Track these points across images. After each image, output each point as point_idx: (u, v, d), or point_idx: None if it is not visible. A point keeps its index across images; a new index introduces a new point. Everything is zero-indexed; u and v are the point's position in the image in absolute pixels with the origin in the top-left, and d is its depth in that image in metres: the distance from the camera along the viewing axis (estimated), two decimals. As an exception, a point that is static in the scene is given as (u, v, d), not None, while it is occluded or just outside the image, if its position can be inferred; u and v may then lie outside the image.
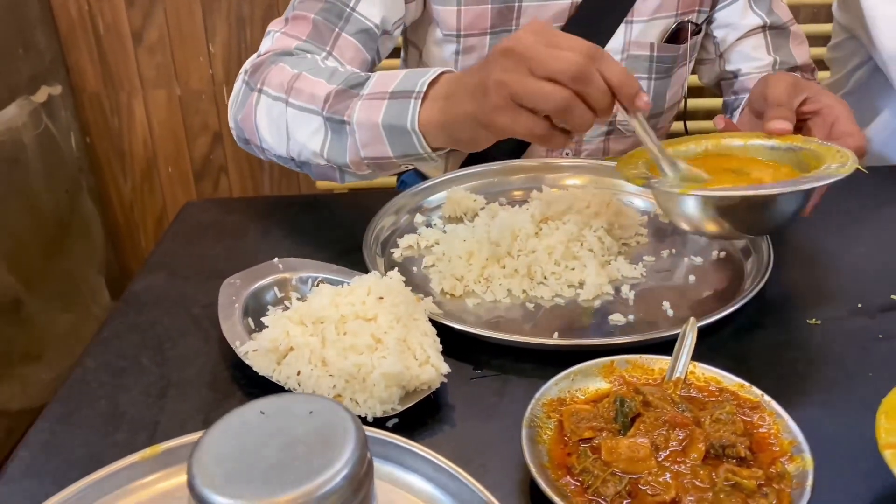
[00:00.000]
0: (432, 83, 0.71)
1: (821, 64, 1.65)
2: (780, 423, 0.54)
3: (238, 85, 0.90)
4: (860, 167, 0.66)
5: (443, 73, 0.72)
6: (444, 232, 0.87)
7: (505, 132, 0.63)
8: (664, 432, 0.53)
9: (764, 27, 1.09)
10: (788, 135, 0.76)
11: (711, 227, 0.70)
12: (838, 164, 0.67)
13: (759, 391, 0.57)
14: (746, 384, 0.58)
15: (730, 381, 0.59)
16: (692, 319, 0.63)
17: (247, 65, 0.90)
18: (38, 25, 1.68)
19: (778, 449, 0.53)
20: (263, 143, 0.86)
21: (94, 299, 1.80)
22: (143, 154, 1.93)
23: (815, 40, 1.78)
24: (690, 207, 0.69)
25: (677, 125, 1.26)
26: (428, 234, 0.87)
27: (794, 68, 1.11)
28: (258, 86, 0.85)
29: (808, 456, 0.51)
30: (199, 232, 0.93)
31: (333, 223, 0.95)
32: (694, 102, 1.37)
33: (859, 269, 0.80)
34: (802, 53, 1.11)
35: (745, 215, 0.69)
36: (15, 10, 1.60)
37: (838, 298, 0.75)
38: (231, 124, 0.92)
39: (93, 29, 1.80)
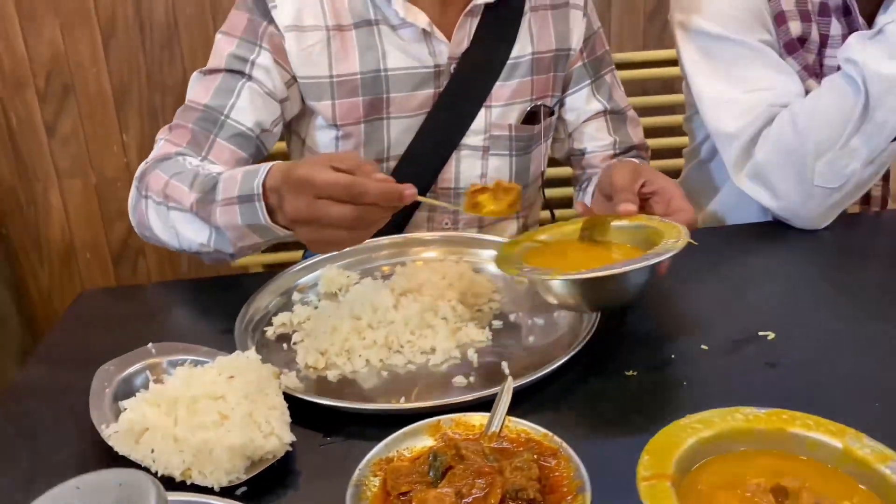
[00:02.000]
0: (264, 181, 0.82)
1: (674, 132, 1.80)
2: (572, 466, 0.62)
3: (132, 191, 1.02)
4: (691, 240, 0.78)
5: (270, 168, 0.82)
6: (316, 308, 0.95)
7: (328, 249, 0.88)
8: (470, 482, 0.61)
9: (605, 112, 1.23)
10: (635, 215, 0.88)
11: (577, 302, 0.83)
12: (674, 238, 0.79)
13: (559, 440, 0.65)
14: (549, 434, 0.66)
15: (537, 431, 0.67)
16: (509, 379, 0.71)
17: (138, 172, 1.02)
18: (-51, 124, 1.74)
19: (566, 489, 0.61)
20: (159, 241, 1.00)
21: (10, 389, 1.81)
22: (61, 241, 1.97)
23: (665, 110, 1.95)
24: (558, 288, 0.81)
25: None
26: (301, 312, 0.94)
27: (631, 147, 1.24)
28: (144, 192, 0.99)
29: (588, 493, 0.59)
30: (88, 321, 0.99)
31: (215, 305, 1.01)
32: (554, 171, 1.50)
33: (678, 322, 0.90)
34: (638, 134, 1.26)
35: (604, 290, 0.81)
36: (-75, 111, 1.66)
37: (655, 350, 0.84)
38: (133, 223, 1.04)
39: (6, 123, 1.86)
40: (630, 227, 0.88)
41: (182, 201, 0.93)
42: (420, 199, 0.78)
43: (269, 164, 0.84)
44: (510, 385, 0.71)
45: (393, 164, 1.14)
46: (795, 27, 1.15)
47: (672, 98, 1.94)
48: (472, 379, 0.81)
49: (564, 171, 1.41)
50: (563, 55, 1.18)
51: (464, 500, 0.59)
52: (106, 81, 1.86)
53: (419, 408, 0.74)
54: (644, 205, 0.94)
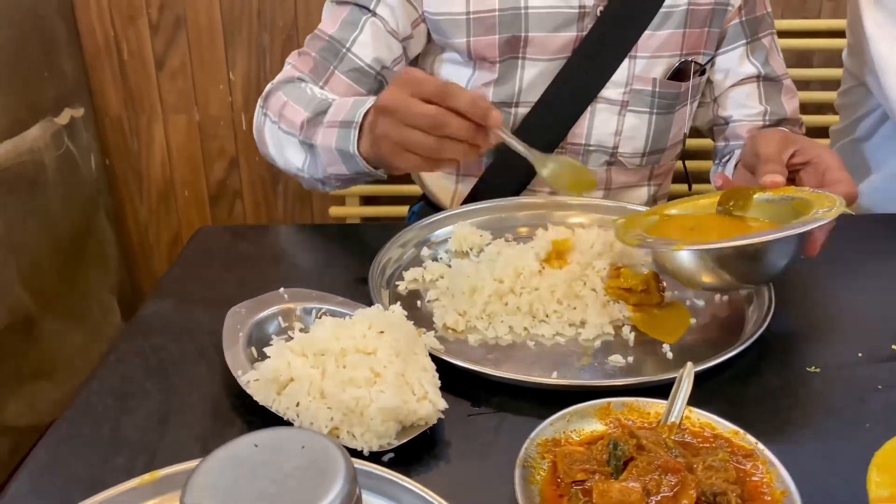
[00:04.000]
0: (367, 113, 0.84)
1: (832, 109, 1.67)
2: (772, 472, 0.55)
3: (257, 108, 1.05)
4: (848, 210, 0.69)
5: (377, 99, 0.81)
6: (450, 266, 0.88)
7: (402, 169, 0.82)
8: (656, 477, 0.53)
9: (758, 77, 1.12)
10: (782, 187, 0.78)
11: (708, 280, 0.74)
12: (826, 208, 0.70)
13: (753, 439, 0.57)
14: (741, 431, 0.58)
15: (724, 427, 0.59)
16: (689, 364, 0.63)
17: (266, 89, 1.04)
18: (64, 49, 1.73)
19: (770, 499, 0.53)
20: (270, 157, 1.03)
21: (105, 319, 1.82)
22: (161, 177, 1.97)
23: (829, 84, 1.81)
24: (685, 262, 0.73)
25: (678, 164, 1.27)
26: (433, 268, 0.88)
27: (782, 119, 1.13)
28: (265, 111, 1.02)
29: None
30: (210, 258, 0.95)
31: (342, 254, 0.96)
32: (694, 142, 1.39)
33: (860, 318, 0.81)
34: (792, 105, 1.14)
35: (737, 266, 0.72)
36: (43, 33, 1.65)
37: (838, 347, 0.75)
38: (255, 137, 1.06)
39: (117, 54, 1.85)
40: (776, 200, 0.78)
41: (294, 121, 0.95)
42: (501, 133, 0.75)
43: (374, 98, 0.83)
44: (691, 370, 0.63)
45: (523, 110, 1.07)
46: None
47: (807, 73, 1.80)
48: (630, 360, 0.73)
49: (704, 142, 1.30)
50: (721, 9, 1.07)
51: (651, 499, 0.52)
52: (217, 16, 1.82)
53: (581, 385, 0.67)
54: (795, 177, 0.84)
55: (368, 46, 1.03)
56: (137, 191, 1.98)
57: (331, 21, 1.04)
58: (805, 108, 1.74)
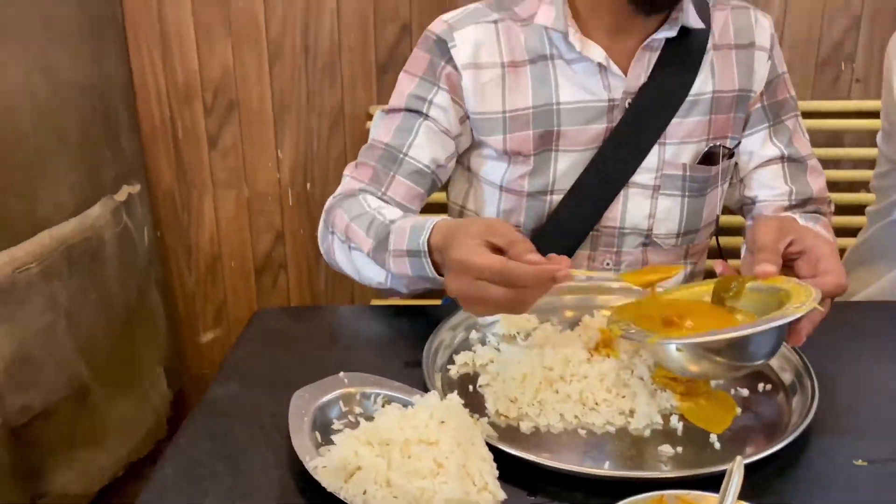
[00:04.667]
0: (429, 240, 0.88)
1: (863, 186, 1.70)
2: (826, 570, 0.56)
3: (321, 222, 1.10)
4: (818, 306, 0.74)
5: (434, 226, 0.87)
6: (499, 350, 0.92)
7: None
8: (712, 573, 0.56)
9: (782, 158, 1.15)
10: (774, 277, 0.81)
11: (693, 369, 0.78)
12: (799, 303, 0.74)
13: (805, 536, 0.59)
14: (793, 528, 0.60)
15: (776, 523, 0.61)
16: (738, 459, 0.66)
17: (326, 205, 1.09)
18: (124, 130, 1.84)
19: None
20: (343, 271, 1.08)
21: (153, 387, 1.88)
22: (209, 249, 2.04)
23: (860, 163, 1.85)
24: (663, 353, 0.78)
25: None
26: (483, 353, 0.92)
27: (809, 199, 1.16)
28: (331, 228, 1.06)
29: None
30: (268, 340, 1.00)
31: (393, 335, 1.01)
32: (728, 218, 1.42)
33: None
34: (818, 185, 1.17)
35: (709, 358, 0.77)
36: (107, 116, 1.76)
37: (884, 439, 0.77)
38: (322, 251, 1.12)
39: (172, 133, 1.96)
40: (764, 290, 0.81)
41: (361, 245, 0.99)
42: (575, 272, 0.77)
43: (433, 220, 0.89)
44: (740, 464, 0.65)
45: (558, 197, 1.12)
46: None
47: (839, 152, 1.84)
48: (679, 449, 0.76)
49: (738, 218, 1.34)
50: (745, 95, 1.13)
51: None
52: (268, 100, 1.93)
53: (634, 478, 0.70)
54: (792, 265, 0.87)
55: (424, 148, 1.08)
56: (186, 262, 2.06)
57: (384, 130, 1.10)
58: (838, 186, 1.78)
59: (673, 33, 1.06)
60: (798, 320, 0.77)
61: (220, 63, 1.90)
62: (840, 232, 1.66)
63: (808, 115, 1.82)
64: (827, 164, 1.81)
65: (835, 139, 1.87)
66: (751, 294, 0.82)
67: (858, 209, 1.66)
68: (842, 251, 1.45)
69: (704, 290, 0.86)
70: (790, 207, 1.16)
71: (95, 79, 1.70)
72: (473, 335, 0.97)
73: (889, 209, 1.32)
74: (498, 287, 0.74)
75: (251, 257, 2.05)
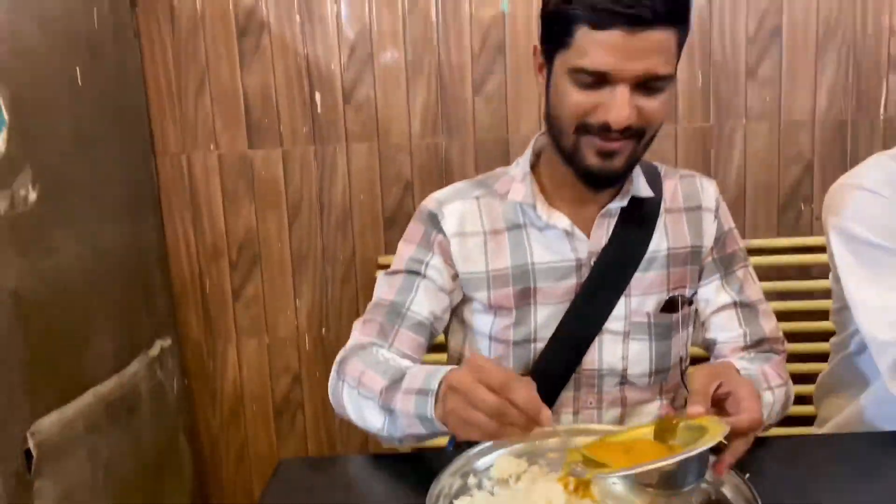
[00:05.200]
0: (440, 383, 0.98)
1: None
2: None
3: (332, 373, 1.21)
4: (723, 441, 0.88)
5: (450, 371, 0.99)
6: (492, 494, 1.05)
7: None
8: None
9: (735, 304, 1.31)
10: (702, 416, 0.96)
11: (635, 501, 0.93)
12: (710, 438, 0.88)
13: None
14: None
15: None
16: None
17: (339, 356, 1.21)
18: (158, 290, 2.03)
19: None
20: (349, 418, 1.17)
21: (179, 529, 1.98)
22: (233, 393, 2.19)
23: (829, 293, 1.99)
24: (607, 484, 0.93)
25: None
26: (480, 498, 1.04)
27: (762, 339, 1.30)
28: (343, 377, 1.18)
29: None
30: (291, 489, 1.13)
31: (404, 482, 1.14)
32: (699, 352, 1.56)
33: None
34: (770, 326, 1.31)
35: (641, 486, 0.92)
36: (143, 278, 1.96)
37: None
38: (331, 400, 1.21)
39: (200, 288, 2.15)
40: (693, 428, 0.95)
41: (374, 388, 1.11)
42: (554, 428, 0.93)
43: (450, 367, 1.01)
44: None
45: (541, 345, 1.27)
46: None
47: (808, 284, 2.00)
48: (648, 583, 0.88)
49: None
50: (697, 251, 1.30)
51: None
52: (287, 253, 2.14)
53: None
54: (723, 404, 1.02)
55: (423, 304, 1.25)
56: (211, 407, 2.20)
57: (387, 289, 1.27)
58: (812, 315, 1.93)
59: (624, 203, 1.26)
60: (721, 453, 0.93)
61: (244, 224, 2.12)
62: (813, 357, 1.80)
63: (775, 251, 2.01)
64: (799, 294, 1.99)
65: (803, 273, 2.03)
66: (683, 432, 0.96)
67: (829, 335, 1.80)
68: (815, 375, 1.56)
69: (647, 430, 1.00)
70: (746, 347, 1.31)
71: (134, 246, 1.91)
72: (471, 480, 1.10)
73: (846, 341, 1.43)
74: (489, 420, 0.87)
75: (270, 399, 2.19)
